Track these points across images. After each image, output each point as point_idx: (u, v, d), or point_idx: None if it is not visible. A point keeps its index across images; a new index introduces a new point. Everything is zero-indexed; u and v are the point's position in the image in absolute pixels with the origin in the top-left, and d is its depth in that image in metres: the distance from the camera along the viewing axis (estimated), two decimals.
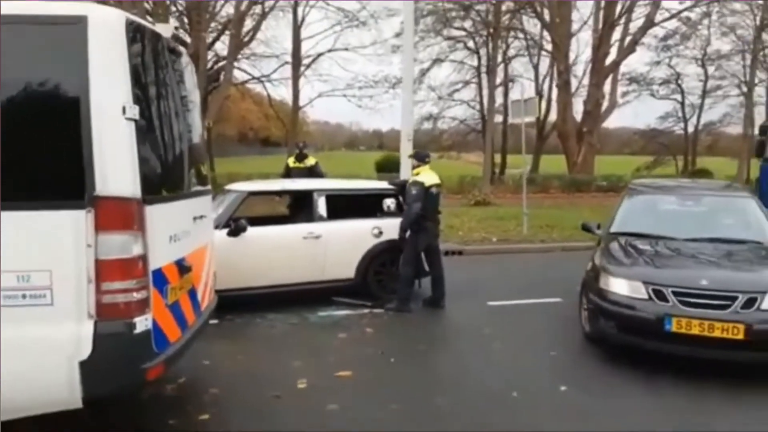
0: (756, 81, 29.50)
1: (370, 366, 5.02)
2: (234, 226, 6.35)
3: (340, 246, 6.84)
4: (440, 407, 4.22)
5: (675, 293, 4.76)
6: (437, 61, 30.09)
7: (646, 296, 4.85)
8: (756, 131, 11.90)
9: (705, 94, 33.99)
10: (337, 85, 29.65)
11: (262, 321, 6.26)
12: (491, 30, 23.72)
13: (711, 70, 32.59)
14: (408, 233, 6.65)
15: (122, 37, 3.03)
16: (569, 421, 4.03)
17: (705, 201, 6.56)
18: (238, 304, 6.14)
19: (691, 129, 36.12)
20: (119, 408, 3.85)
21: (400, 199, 7.43)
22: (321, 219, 6.86)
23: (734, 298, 4.63)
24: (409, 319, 6.50)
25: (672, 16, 26.68)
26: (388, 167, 24.75)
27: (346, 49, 28.62)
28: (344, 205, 7.07)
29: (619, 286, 5.06)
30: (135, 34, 3.17)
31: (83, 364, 2.91)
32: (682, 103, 35.26)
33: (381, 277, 7.10)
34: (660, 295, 4.81)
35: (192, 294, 3.92)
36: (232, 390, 4.45)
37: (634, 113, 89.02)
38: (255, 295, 6.44)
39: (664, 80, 33.83)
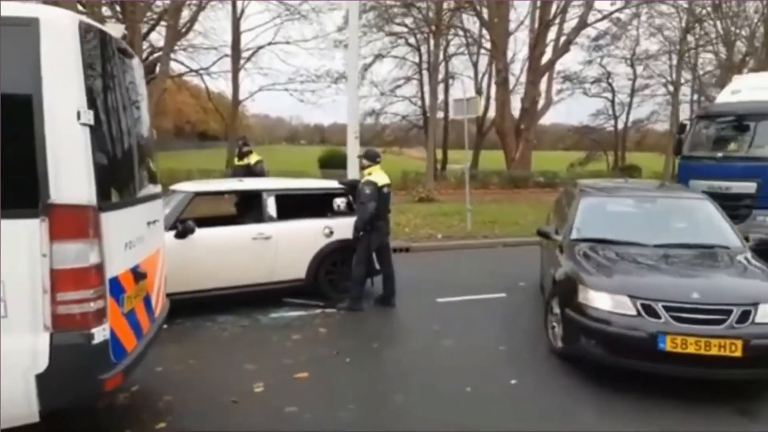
0: (682, 80, 31.27)
1: (325, 366, 5.06)
2: (181, 227, 6.22)
3: (290, 246, 6.82)
4: (398, 405, 4.32)
5: (667, 308, 4.44)
6: (379, 56, 30.27)
7: (634, 312, 4.50)
8: None
9: (633, 92, 35.80)
10: (279, 79, 29.35)
11: (212, 324, 6.17)
12: (433, 27, 24.02)
13: (639, 69, 34.36)
14: (361, 232, 6.71)
15: (75, 40, 2.94)
16: (521, 412, 4.22)
17: (662, 204, 6.52)
18: (187, 307, 6.03)
19: (620, 126, 37.94)
20: (72, 420, 3.73)
21: (351, 198, 7.48)
22: (271, 219, 6.82)
23: (729, 312, 4.37)
24: (361, 318, 6.58)
25: (604, 17, 27.87)
26: (331, 163, 24.71)
27: (288, 43, 28.36)
28: (294, 205, 7.05)
29: (601, 300, 4.68)
30: (87, 36, 3.08)
31: (40, 378, 2.83)
32: (613, 101, 36.97)
33: (332, 277, 7.13)
34: (650, 311, 4.47)
35: (147, 301, 3.84)
36: (186, 396, 4.39)
37: (567, 111, 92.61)
38: (204, 298, 6.33)
39: (596, 79, 35.41)
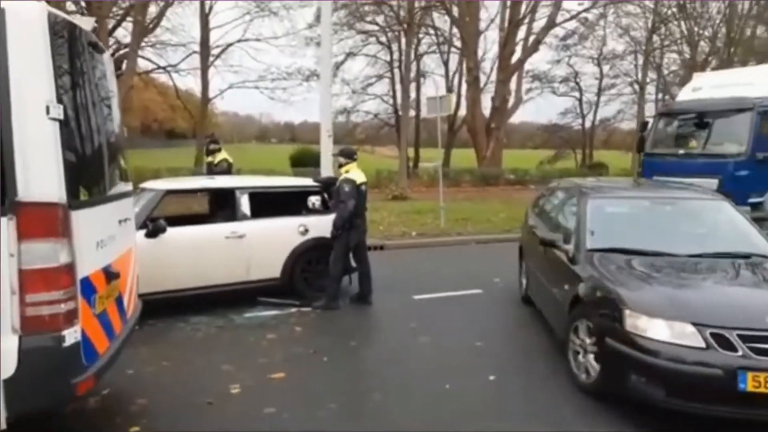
0: (647, 80, 31.96)
1: (302, 366, 5.01)
2: (152, 226, 6.08)
3: (265, 245, 6.73)
4: (378, 403, 4.29)
5: (743, 338, 3.67)
6: (351, 54, 30.18)
7: (702, 343, 3.71)
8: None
9: (600, 91, 36.54)
10: (249, 77, 29.06)
11: (185, 325, 6.05)
12: (404, 26, 24.02)
13: (606, 69, 35.02)
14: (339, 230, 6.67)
15: (43, 32, 2.83)
16: (502, 409, 4.24)
17: (679, 205, 5.75)
18: (159, 308, 5.90)
19: (588, 124, 38.63)
20: (41, 426, 3.60)
21: (325, 196, 7.43)
22: (244, 218, 6.71)
23: None
24: (337, 316, 6.53)
25: (572, 17, 28.31)
26: (303, 161, 24.54)
27: (258, 40, 28.06)
28: (268, 203, 6.96)
29: (657, 329, 3.84)
30: (56, 28, 2.97)
31: (8, 383, 2.72)
32: (580, 100, 37.64)
33: (308, 276, 7.06)
34: (723, 342, 3.68)
35: (119, 301, 3.74)
36: (160, 399, 4.29)
37: (537, 109, 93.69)
38: (177, 298, 6.20)
39: (564, 78, 35.99)
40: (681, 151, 10.27)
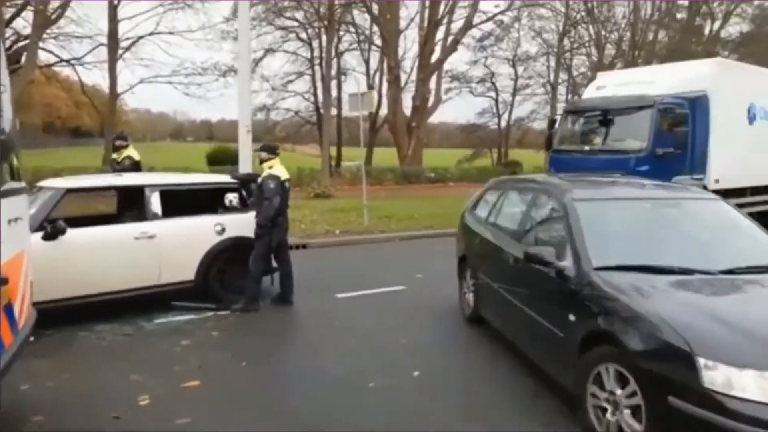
0: (559, 81, 33.42)
1: (220, 372, 4.73)
2: (50, 228, 5.58)
3: (177, 246, 6.36)
4: (298, 407, 4.11)
5: None
6: (270, 51, 29.52)
7: None
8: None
9: (515, 92, 37.79)
10: (161, 71, 27.74)
11: (89, 334, 5.60)
12: (325, 23, 23.77)
13: (521, 70, 36.28)
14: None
15: None
16: (426, 406, 4.15)
17: (682, 208, 4.76)
18: (60, 316, 5.43)
19: (504, 124, 39.88)
20: None
21: (243, 193, 7.13)
22: (155, 217, 6.31)
23: None
24: (257, 318, 6.27)
25: (488, 19, 29.21)
26: (221, 160, 23.77)
27: (171, 33, 26.88)
28: (181, 202, 6.57)
29: (751, 385, 2.81)
30: None
31: None
32: (496, 100, 38.78)
33: (225, 277, 6.74)
34: None
35: (8, 310, 3.35)
36: (61, 415, 3.91)
37: (455, 109, 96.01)
38: (79, 306, 5.73)
39: (481, 78, 36.99)
40: (586, 148, 10.58)
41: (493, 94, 38.41)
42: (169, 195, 6.49)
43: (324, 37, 27.05)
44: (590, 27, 30.81)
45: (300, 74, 32.34)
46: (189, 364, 4.86)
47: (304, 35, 30.46)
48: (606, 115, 10.39)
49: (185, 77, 27.72)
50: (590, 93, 11.68)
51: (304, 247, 10.22)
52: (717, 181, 10.72)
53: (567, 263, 4.01)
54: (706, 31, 35.63)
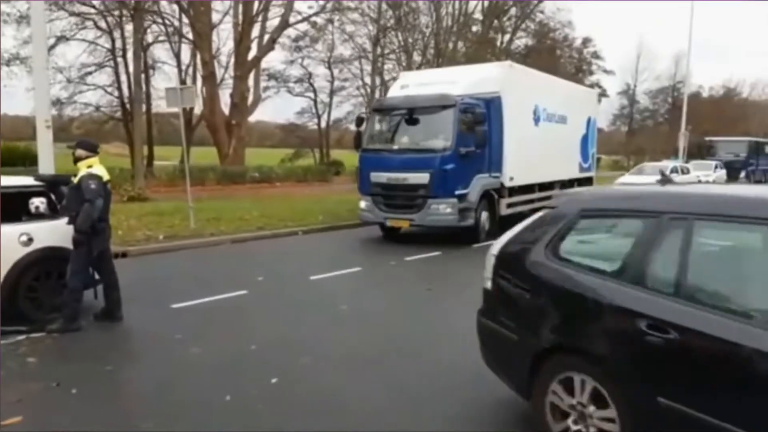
0: (376, 84, 34.70)
1: (45, 404, 4.08)
2: None
3: None
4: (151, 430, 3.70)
5: None
6: (63, 38, 26.20)
7: None
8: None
9: (333, 93, 38.42)
10: None
11: None
12: (131, 12, 21.78)
13: (336, 71, 36.97)
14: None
15: None
16: (287, 413, 4.00)
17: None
18: None
19: (323, 124, 40.35)
20: None
21: (53, 197, 6.23)
22: None
23: None
24: (81, 338, 5.51)
25: (303, 20, 29.20)
26: (11, 161, 20.58)
27: None
28: None
29: None
30: None
31: None
32: (315, 101, 39.07)
33: (36, 295, 5.83)
34: None
35: None
36: None
37: (274, 108, 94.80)
38: None
39: (299, 78, 37.02)
40: (394, 147, 10.85)
41: (311, 94, 38.67)
42: None
43: (128, 27, 24.87)
44: (399, 34, 32.56)
45: (100, 66, 29.30)
46: (5, 398, 4.08)
47: (103, 23, 27.66)
48: (411, 114, 10.64)
49: None
50: (395, 92, 11.86)
51: (124, 255, 9.23)
52: (512, 178, 11.65)
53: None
54: (498, 43, 39.91)
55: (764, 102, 61.60)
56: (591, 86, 53.33)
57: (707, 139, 35.30)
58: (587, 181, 16.24)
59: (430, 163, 10.18)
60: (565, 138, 14.90)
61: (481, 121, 10.53)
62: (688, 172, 22.12)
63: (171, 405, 4.09)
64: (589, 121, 16.64)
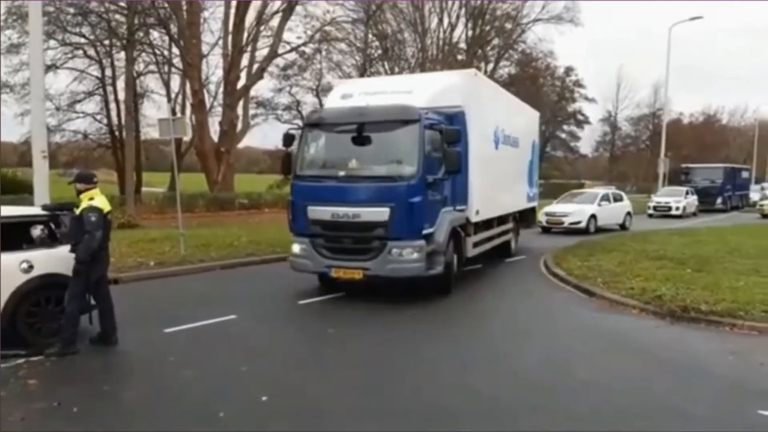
0: None
1: (48, 422, 4.34)
2: None
3: None
4: None
5: None
6: (53, 67, 26.58)
7: None
8: None
9: None
10: None
11: None
12: (123, 41, 22.25)
13: (324, 99, 37.59)
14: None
15: None
16: (272, 428, 4.29)
17: None
18: None
19: None
20: None
21: (52, 226, 6.52)
22: None
23: None
24: (79, 361, 5.76)
25: (292, 49, 29.88)
26: (5, 188, 20.70)
27: None
28: None
29: None
30: None
31: None
32: (303, 128, 39.51)
33: (34, 320, 6.08)
34: None
35: None
36: None
37: (263, 134, 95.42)
38: None
39: (287, 106, 37.63)
40: (340, 173, 8.32)
41: (299, 121, 39.21)
42: None
43: (118, 55, 25.34)
44: (385, 63, 33.38)
45: (90, 94, 29.72)
46: (9, 417, 4.34)
47: (92, 52, 28.13)
48: (361, 131, 8.11)
49: None
50: (334, 102, 9.36)
51: (116, 282, 9.46)
52: (477, 212, 9.76)
53: None
54: (483, 72, 40.93)
55: (743, 128, 63.38)
56: (573, 113, 54.96)
57: (683, 165, 36.03)
58: (532, 212, 15.04)
59: (391, 194, 7.87)
60: (518, 164, 13.26)
61: (453, 141, 8.39)
62: (621, 199, 20.81)
63: (167, 421, 4.37)
64: (533, 145, 14.98)
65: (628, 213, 20.62)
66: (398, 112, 8.12)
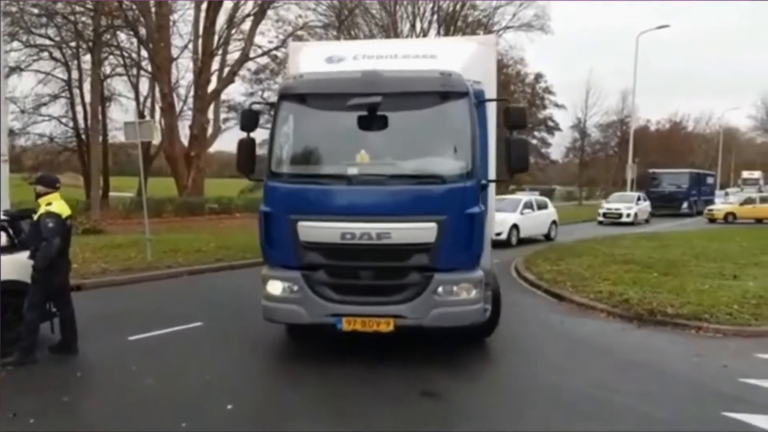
0: None
1: None
2: None
3: None
4: None
5: None
6: (17, 69, 25.91)
7: None
8: None
9: None
10: None
11: None
12: (90, 44, 21.79)
13: None
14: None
15: None
16: None
17: None
18: None
19: None
20: None
21: (11, 231, 6.32)
22: None
23: None
24: (38, 371, 5.58)
25: (264, 53, 29.59)
26: None
27: None
28: None
29: None
30: None
31: None
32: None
33: None
34: None
35: None
36: None
37: (234, 138, 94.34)
38: None
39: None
40: (351, 171, 5.52)
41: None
42: None
43: (85, 58, 24.79)
44: None
45: (55, 97, 29.01)
46: None
47: (58, 54, 27.51)
48: (374, 108, 5.32)
49: None
50: (316, 66, 6.19)
51: (78, 288, 9.18)
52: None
53: None
54: None
55: (708, 135, 65.11)
56: (544, 120, 55.76)
57: (650, 171, 36.56)
58: None
59: (440, 202, 5.37)
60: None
61: (519, 125, 5.90)
62: (546, 206, 19.03)
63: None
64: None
65: (554, 222, 18.89)
66: (435, 82, 5.45)
